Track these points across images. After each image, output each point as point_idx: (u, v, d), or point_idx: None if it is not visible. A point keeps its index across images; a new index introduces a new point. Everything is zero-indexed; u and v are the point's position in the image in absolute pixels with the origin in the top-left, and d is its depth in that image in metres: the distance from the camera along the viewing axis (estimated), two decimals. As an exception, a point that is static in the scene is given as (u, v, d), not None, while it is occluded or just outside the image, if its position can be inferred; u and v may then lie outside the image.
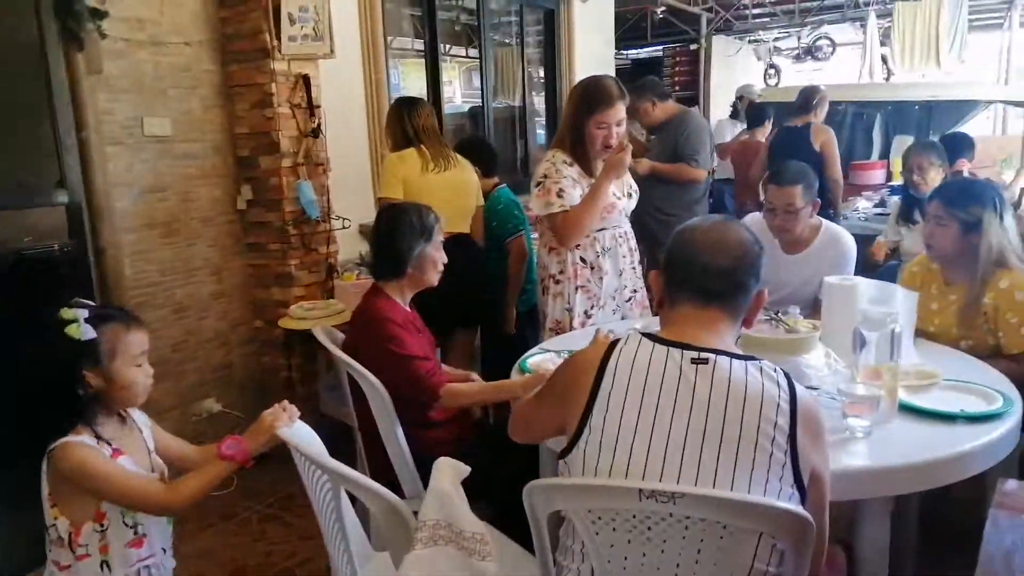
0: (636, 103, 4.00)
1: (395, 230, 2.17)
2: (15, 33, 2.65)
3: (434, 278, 2.24)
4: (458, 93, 5.67)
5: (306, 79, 3.35)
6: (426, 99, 4.67)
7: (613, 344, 1.34)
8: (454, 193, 2.91)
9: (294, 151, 3.35)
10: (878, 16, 8.21)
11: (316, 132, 3.40)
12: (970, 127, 6.57)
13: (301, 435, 1.66)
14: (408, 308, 2.26)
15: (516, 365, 2.21)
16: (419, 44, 4.78)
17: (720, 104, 9.41)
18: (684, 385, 1.25)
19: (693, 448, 1.21)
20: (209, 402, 3.33)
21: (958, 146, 3.76)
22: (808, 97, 4.79)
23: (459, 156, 3.03)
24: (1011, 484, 1.54)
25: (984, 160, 5.16)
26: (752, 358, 1.29)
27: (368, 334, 2.14)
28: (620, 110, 2.54)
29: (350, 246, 3.67)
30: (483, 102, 5.34)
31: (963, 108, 6.03)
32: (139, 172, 3.06)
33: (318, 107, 3.40)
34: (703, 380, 1.25)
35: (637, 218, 4.17)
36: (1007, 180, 4.69)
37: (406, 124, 2.97)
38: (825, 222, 2.81)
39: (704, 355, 1.26)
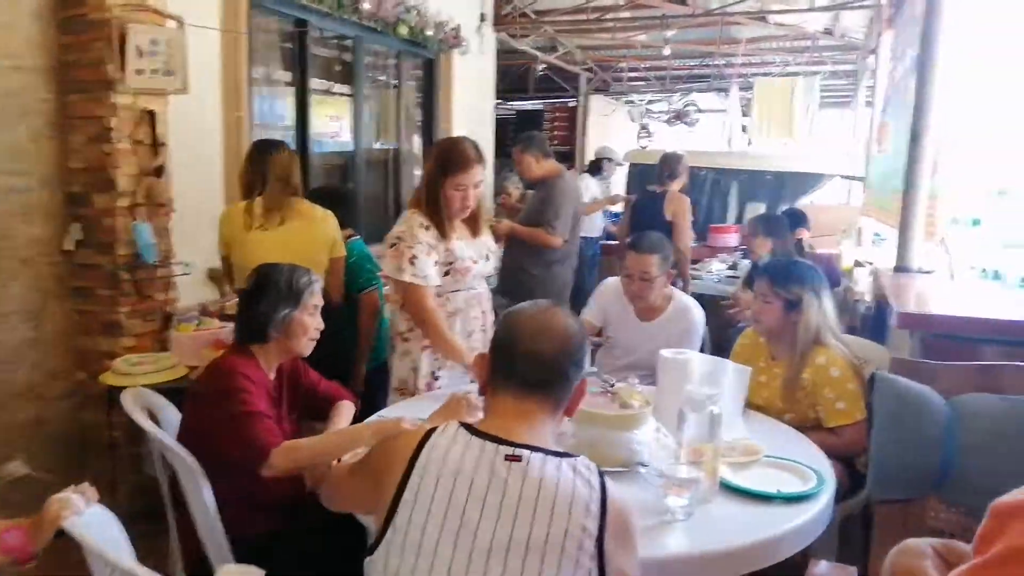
0: (523, 154, 4.07)
1: (259, 292, 2.02)
2: None
3: (304, 346, 2.09)
4: (345, 129, 5.51)
5: (151, 114, 3.14)
6: (294, 134, 4.54)
7: (429, 432, 1.28)
8: (292, 249, 2.67)
9: (133, 190, 3.12)
10: (740, 88, 8.79)
11: (159, 171, 3.18)
12: (820, 197, 7.10)
13: (93, 523, 1.47)
14: (272, 377, 2.08)
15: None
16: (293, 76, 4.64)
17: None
18: (495, 484, 1.20)
19: (499, 553, 1.16)
20: (15, 464, 2.97)
21: (795, 219, 4.03)
22: (669, 164, 4.89)
23: (308, 206, 2.86)
24: (822, 566, 1.58)
25: (828, 229, 5.54)
26: (567, 455, 1.26)
27: (211, 384, 1.97)
28: (477, 172, 2.52)
29: (193, 293, 3.44)
30: (355, 144, 5.23)
31: (810, 180, 6.50)
32: (-55, 205, 2.75)
33: (163, 145, 3.19)
34: (515, 479, 1.20)
35: (507, 273, 4.21)
36: (844, 250, 5.03)
37: (255, 170, 2.81)
38: (677, 292, 2.91)
39: (518, 452, 1.22)
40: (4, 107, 2.90)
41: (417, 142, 6.17)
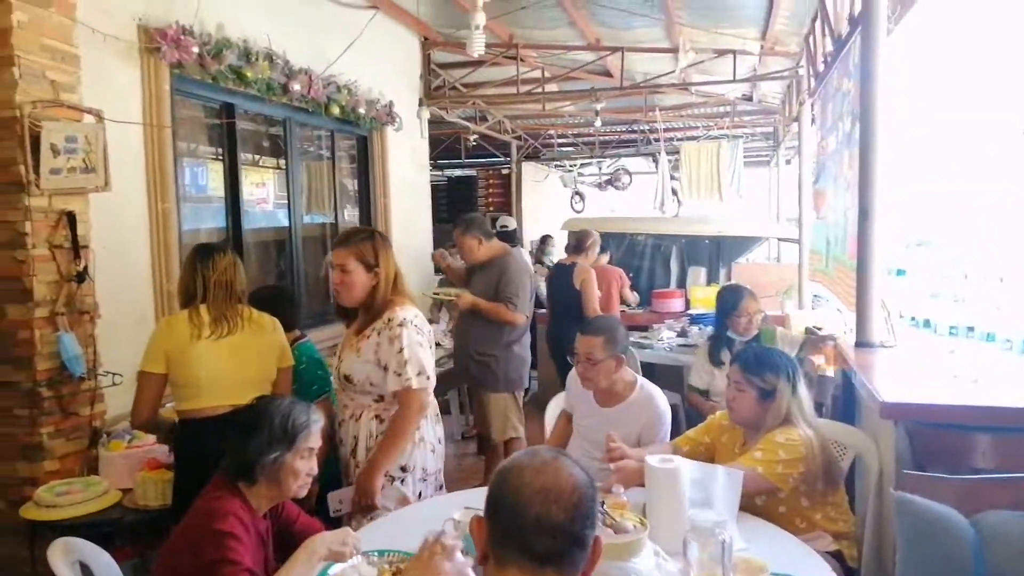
0: (463, 237, 3.95)
1: (252, 428, 1.83)
2: None
3: (295, 490, 1.89)
4: (272, 194, 5.31)
5: (71, 216, 2.91)
6: (225, 208, 4.34)
7: None
8: (240, 359, 2.50)
9: (52, 298, 2.86)
10: (668, 152, 9.01)
11: (82, 276, 2.93)
12: (750, 256, 7.26)
13: None
14: (262, 516, 1.89)
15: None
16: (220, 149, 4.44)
17: (530, 226, 9.76)
18: None
19: None
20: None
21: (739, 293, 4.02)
22: (581, 240, 5.28)
23: (256, 314, 2.62)
24: None
25: (767, 289, 5.61)
26: None
27: (195, 525, 1.77)
28: (338, 254, 2.48)
29: (122, 405, 3.14)
30: (290, 219, 5.03)
31: (746, 243, 6.64)
32: None
33: (85, 247, 2.96)
34: None
35: (460, 360, 4.04)
36: (789, 312, 5.09)
37: (196, 277, 2.54)
38: (640, 379, 2.82)
39: None
40: (-99, 216, 2.63)
41: (353, 215, 6.01)
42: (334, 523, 2.44)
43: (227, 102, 4.30)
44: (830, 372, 3.37)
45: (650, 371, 5.10)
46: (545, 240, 8.29)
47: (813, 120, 5.37)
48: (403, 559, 1.86)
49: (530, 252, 8.12)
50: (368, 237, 2.49)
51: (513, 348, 3.96)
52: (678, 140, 9.51)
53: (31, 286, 2.79)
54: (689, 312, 5.71)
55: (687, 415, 4.17)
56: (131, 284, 3.40)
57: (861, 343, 2.88)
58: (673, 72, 6.34)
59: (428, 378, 2.42)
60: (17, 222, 2.78)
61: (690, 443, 2.53)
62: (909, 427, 2.08)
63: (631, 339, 5.02)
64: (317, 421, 1.94)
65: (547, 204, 11.09)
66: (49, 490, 2.64)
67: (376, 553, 1.91)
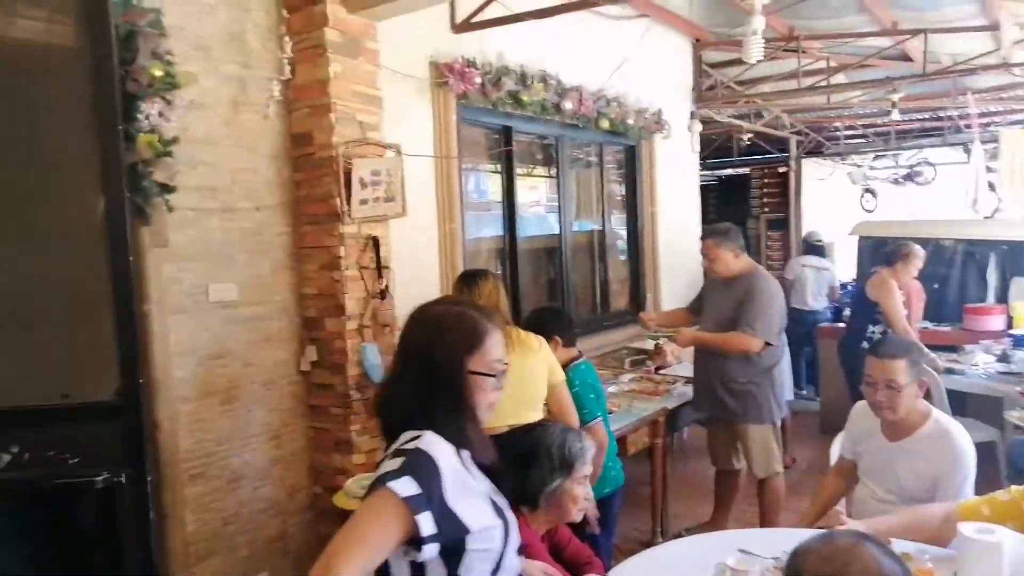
0: (717, 249, 3.60)
1: (530, 458, 1.93)
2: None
3: (574, 514, 1.98)
4: (547, 201, 5.54)
5: (375, 241, 3.28)
6: (502, 215, 4.60)
7: None
8: (514, 381, 2.56)
9: (360, 313, 3.25)
10: (984, 141, 7.76)
11: (383, 294, 3.30)
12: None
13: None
14: (540, 539, 1.98)
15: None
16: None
17: (812, 228, 9.02)
18: None
19: None
20: (262, 577, 3.12)
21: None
22: (894, 251, 4.81)
23: (523, 334, 2.71)
24: None
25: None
26: None
27: None
28: None
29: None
30: (561, 228, 5.18)
31: (1092, 248, 5.47)
32: (202, 340, 2.99)
33: (387, 268, 3.32)
34: None
35: (706, 391, 3.75)
36: None
37: None
38: (937, 412, 2.46)
39: None
40: (249, 245, 3.16)
41: (619, 221, 6.04)
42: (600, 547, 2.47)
43: (506, 125, 4.56)
44: None
45: (960, 401, 4.43)
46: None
47: None
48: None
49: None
50: None
51: (773, 373, 3.61)
52: (996, 126, 8.15)
53: (343, 302, 3.20)
54: (1011, 332, 4.86)
55: (1009, 459, 3.54)
56: (425, 297, 3.73)
57: None
58: (995, 51, 5.45)
59: None
60: (334, 247, 3.21)
61: (999, 513, 1.93)
62: None
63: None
64: (589, 448, 1.98)
65: (832, 204, 10.18)
66: (356, 482, 3.00)
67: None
